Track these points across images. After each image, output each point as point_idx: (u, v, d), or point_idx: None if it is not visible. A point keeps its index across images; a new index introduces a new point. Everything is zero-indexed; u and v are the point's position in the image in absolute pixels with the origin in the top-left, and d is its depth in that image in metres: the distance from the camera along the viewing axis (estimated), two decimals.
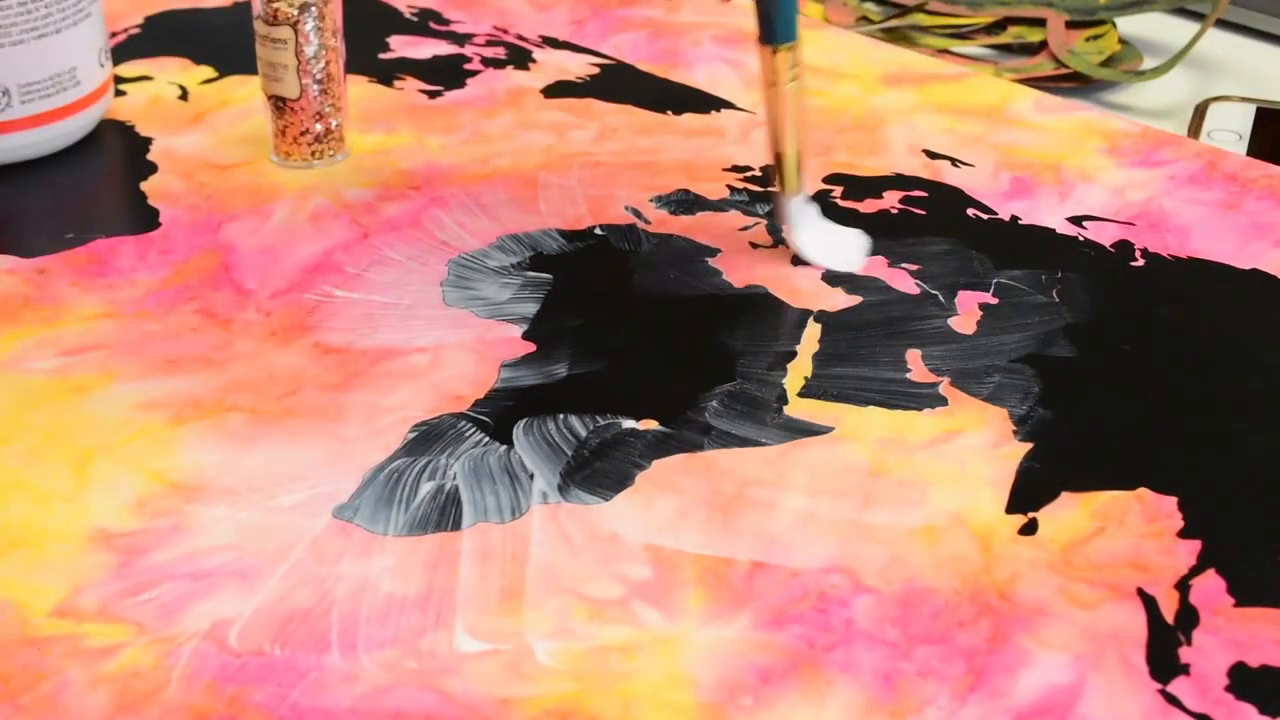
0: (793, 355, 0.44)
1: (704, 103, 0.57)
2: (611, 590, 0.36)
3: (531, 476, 0.39)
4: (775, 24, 0.46)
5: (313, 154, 0.52)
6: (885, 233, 0.49)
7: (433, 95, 0.58)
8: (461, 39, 0.62)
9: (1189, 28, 0.67)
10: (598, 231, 0.48)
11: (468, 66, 0.60)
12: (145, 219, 0.50)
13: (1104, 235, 0.50)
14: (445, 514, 0.38)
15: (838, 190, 0.52)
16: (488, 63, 0.60)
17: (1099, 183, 0.53)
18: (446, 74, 0.59)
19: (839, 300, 0.46)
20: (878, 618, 0.36)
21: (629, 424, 0.41)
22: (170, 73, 0.59)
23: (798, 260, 0.48)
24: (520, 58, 0.60)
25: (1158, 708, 0.33)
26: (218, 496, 0.39)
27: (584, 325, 0.45)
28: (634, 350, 0.44)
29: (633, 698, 0.33)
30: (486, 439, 0.41)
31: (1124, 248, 0.49)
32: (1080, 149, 0.55)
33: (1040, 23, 0.66)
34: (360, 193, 0.51)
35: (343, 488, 0.39)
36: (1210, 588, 0.37)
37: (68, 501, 0.39)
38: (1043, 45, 0.65)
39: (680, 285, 0.47)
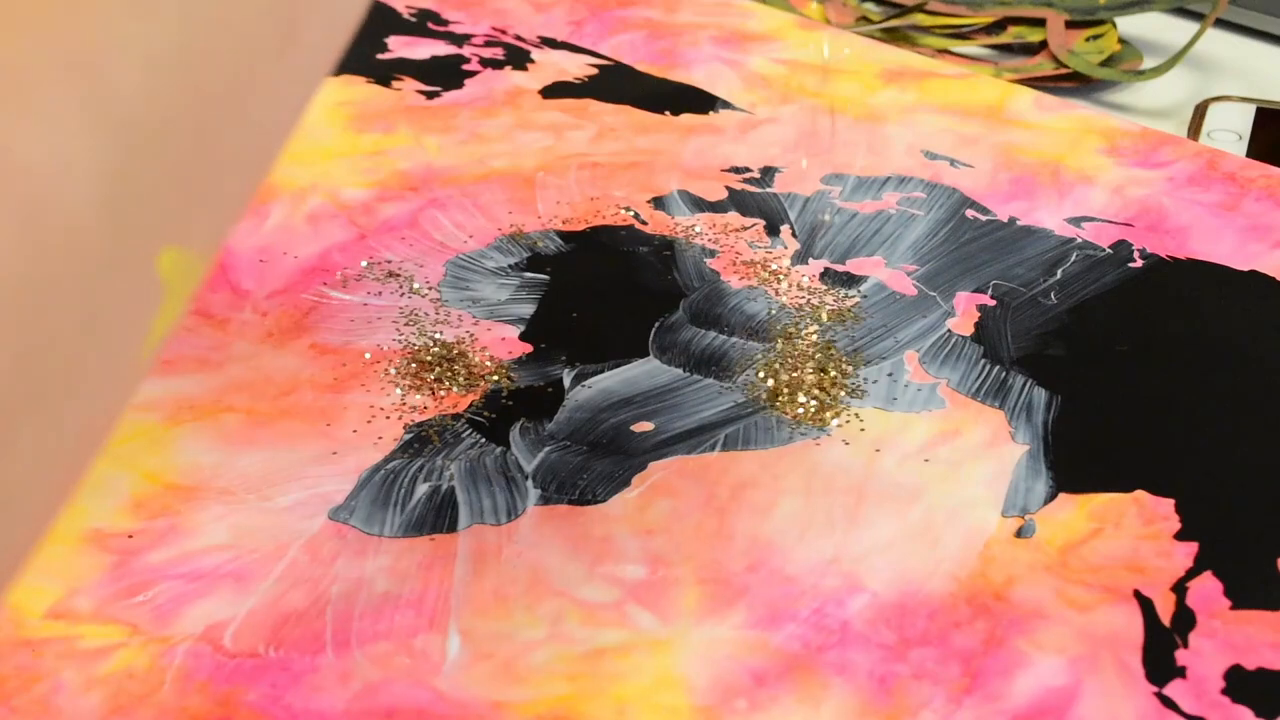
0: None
1: (702, 103, 0.57)
2: (606, 592, 0.36)
3: (527, 478, 0.39)
4: None
5: None
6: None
7: (431, 95, 0.57)
8: (460, 39, 0.62)
9: (1189, 28, 0.67)
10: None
11: (466, 67, 0.60)
12: None
13: (1102, 236, 0.50)
14: (441, 515, 0.38)
15: (835, 190, 0.52)
16: (486, 63, 0.60)
17: (1098, 183, 0.52)
18: (444, 74, 0.59)
19: (837, 301, 0.46)
20: (873, 619, 0.35)
21: (625, 425, 0.41)
22: None
23: (796, 260, 0.48)
24: (518, 58, 0.60)
25: (1154, 711, 0.33)
26: (213, 497, 0.39)
27: (581, 326, 0.45)
28: (630, 351, 0.44)
29: (626, 700, 0.33)
30: (483, 440, 0.41)
31: (1123, 248, 0.49)
32: (1079, 149, 0.54)
33: (1040, 23, 0.65)
34: (357, 193, 0.51)
35: (339, 489, 0.39)
36: (1207, 590, 0.36)
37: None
38: (1043, 45, 0.64)
39: (677, 286, 0.47)
